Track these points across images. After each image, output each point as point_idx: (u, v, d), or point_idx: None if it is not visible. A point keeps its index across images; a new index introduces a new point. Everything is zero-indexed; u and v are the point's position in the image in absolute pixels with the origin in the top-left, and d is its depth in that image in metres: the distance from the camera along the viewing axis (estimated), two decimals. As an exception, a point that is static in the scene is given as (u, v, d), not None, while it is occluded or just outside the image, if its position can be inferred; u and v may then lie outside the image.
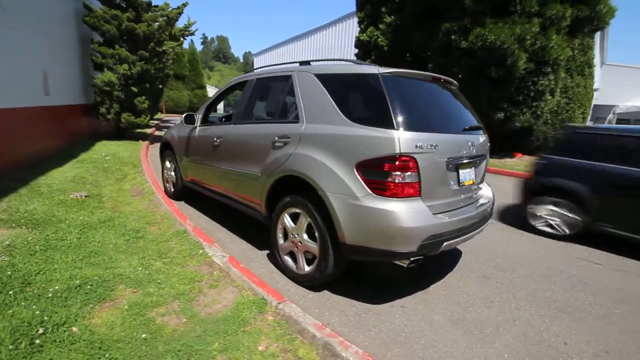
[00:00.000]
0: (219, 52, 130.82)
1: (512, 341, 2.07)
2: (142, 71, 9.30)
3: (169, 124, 20.33)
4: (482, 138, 2.74)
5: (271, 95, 3.10)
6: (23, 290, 2.03)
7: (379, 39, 10.89)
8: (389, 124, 2.07)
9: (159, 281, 2.36)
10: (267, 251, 3.21)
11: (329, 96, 2.43)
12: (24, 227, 3.06)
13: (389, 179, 2.04)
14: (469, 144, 2.49)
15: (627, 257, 3.47)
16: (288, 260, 2.69)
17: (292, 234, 2.59)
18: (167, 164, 4.76)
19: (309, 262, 2.53)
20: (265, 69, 3.28)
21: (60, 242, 2.80)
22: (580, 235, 3.78)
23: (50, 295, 1.99)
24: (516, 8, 7.74)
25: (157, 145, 10.56)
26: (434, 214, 2.16)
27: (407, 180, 2.04)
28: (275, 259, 2.88)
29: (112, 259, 2.61)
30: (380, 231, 2.06)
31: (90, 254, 2.64)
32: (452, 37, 8.35)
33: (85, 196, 4.23)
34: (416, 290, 2.62)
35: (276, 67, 3.21)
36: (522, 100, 8.63)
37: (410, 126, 2.07)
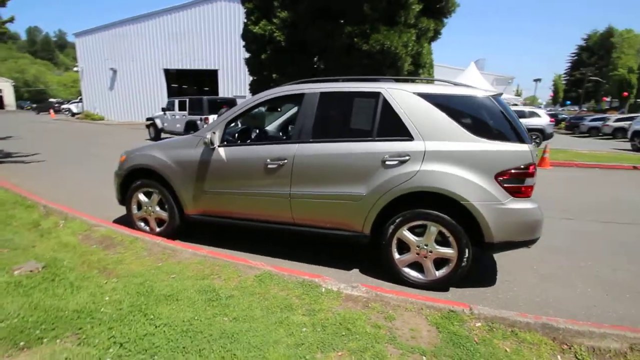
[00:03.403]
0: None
1: (581, 280, 3.02)
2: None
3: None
4: None
5: (355, 112, 2.97)
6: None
7: (275, 34, 10.81)
8: (519, 139, 2.55)
9: (342, 334, 2.09)
10: (356, 269, 3.18)
11: (444, 114, 2.66)
12: (60, 340, 1.92)
13: (525, 184, 2.54)
14: None
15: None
16: (410, 271, 2.83)
17: (419, 246, 2.74)
18: (143, 197, 3.68)
19: (437, 268, 2.77)
20: (321, 84, 3.07)
21: (160, 340, 1.95)
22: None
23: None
24: (401, 19, 9.37)
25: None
26: None
27: (533, 183, 2.59)
28: (376, 273, 2.97)
29: (257, 331, 2.06)
30: (525, 226, 2.56)
31: (224, 337, 1.99)
32: (355, 39, 9.34)
33: (43, 267, 2.82)
34: (495, 267, 3.26)
35: (335, 83, 3.07)
36: (406, 95, 10.62)
37: (528, 139, 2.61)
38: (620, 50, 45.38)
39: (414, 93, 2.76)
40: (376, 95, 2.84)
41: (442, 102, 2.69)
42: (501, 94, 2.84)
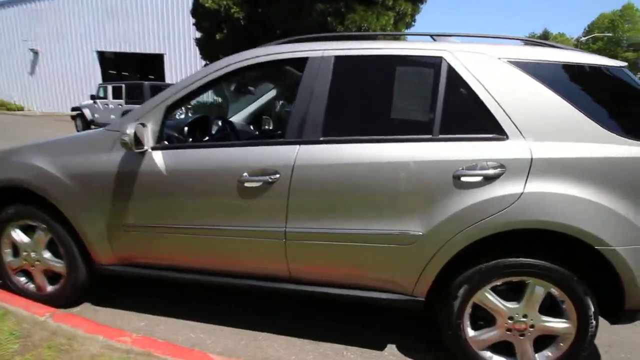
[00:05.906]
0: None
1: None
2: None
3: None
4: None
5: (398, 92, 1.74)
6: None
7: (232, 10, 9.18)
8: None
9: None
10: (391, 345, 2.00)
11: (559, 97, 1.56)
12: None
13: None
14: None
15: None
16: (493, 357, 1.72)
17: (511, 318, 1.63)
18: (20, 236, 2.17)
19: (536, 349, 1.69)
20: (335, 43, 1.81)
21: None
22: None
23: None
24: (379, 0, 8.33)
25: None
26: None
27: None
28: (427, 351, 1.82)
29: None
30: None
31: None
32: (328, 18, 8.11)
33: None
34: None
35: (358, 42, 1.85)
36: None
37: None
38: (556, 53, 49.53)
39: (500, 59, 1.62)
40: (436, 62, 1.65)
41: (553, 76, 1.59)
42: (625, 64, 1.81)
